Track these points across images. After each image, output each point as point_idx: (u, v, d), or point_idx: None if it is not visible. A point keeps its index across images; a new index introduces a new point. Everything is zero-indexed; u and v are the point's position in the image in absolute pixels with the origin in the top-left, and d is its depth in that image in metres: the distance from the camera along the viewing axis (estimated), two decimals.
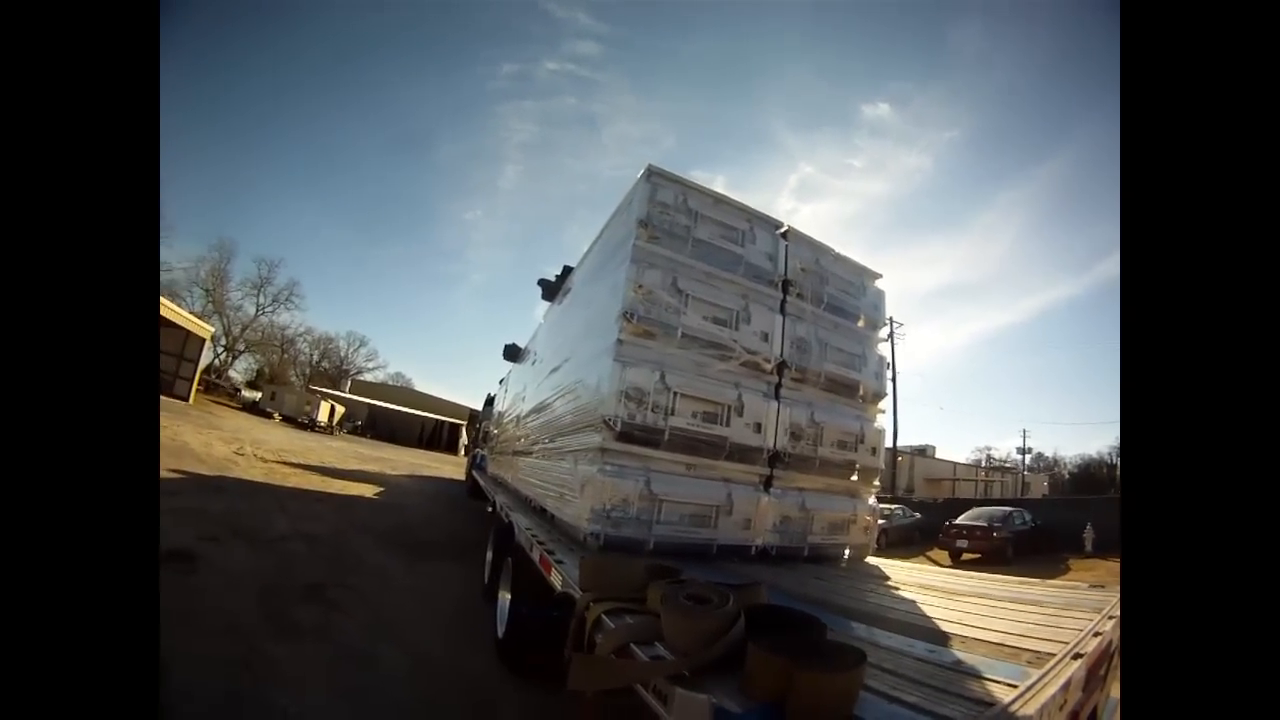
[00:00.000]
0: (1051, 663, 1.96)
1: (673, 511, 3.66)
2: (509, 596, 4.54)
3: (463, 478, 19.58)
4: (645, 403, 3.53)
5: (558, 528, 4.29)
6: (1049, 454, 67.94)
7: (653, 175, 3.97)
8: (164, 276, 47.24)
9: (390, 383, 66.62)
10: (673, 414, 3.63)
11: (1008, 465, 60.44)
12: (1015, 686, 1.73)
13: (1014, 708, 1.57)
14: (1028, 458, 57.65)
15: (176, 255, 54.59)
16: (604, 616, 2.14)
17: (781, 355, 4.24)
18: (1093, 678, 2.15)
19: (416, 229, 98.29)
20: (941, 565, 13.53)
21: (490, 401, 15.38)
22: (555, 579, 3.01)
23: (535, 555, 3.53)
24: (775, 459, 4.15)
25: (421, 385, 68.34)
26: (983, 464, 62.77)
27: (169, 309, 28.98)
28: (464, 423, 42.80)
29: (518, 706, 3.74)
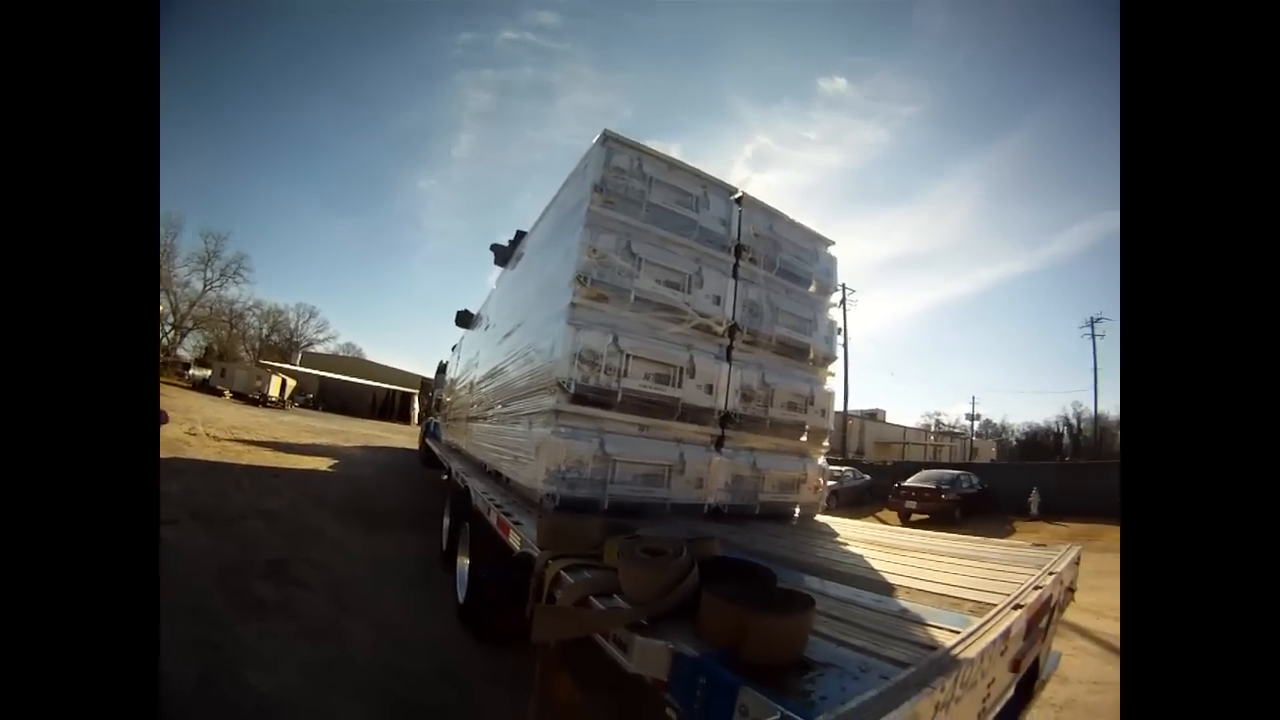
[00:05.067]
0: (992, 612, 2.05)
1: (626, 471, 3.73)
2: (468, 561, 4.61)
3: (415, 447, 19.41)
4: (598, 365, 3.57)
5: (514, 491, 4.34)
6: (997, 421, 70.32)
7: (609, 140, 3.97)
8: None
9: (341, 353, 65.63)
10: (626, 376, 3.68)
11: (957, 431, 62.40)
12: (957, 633, 1.80)
13: (955, 651, 1.64)
14: (976, 424, 59.55)
15: None
16: (563, 572, 2.18)
17: (733, 318, 4.30)
18: (1032, 629, 2.26)
19: (371, 198, 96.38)
20: (890, 525, 14.00)
21: (442, 369, 15.19)
22: (514, 540, 3.06)
23: (493, 518, 3.59)
24: (726, 419, 4.24)
25: (373, 355, 67.57)
26: (932, 429, 64.70)
27: None
28: (416, 391, 41.93)
29: (481, 670, 3.82)
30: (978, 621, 1.93)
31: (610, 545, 2.26)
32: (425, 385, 20.55)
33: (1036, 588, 2.41)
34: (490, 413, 6.04)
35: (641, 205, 3.98)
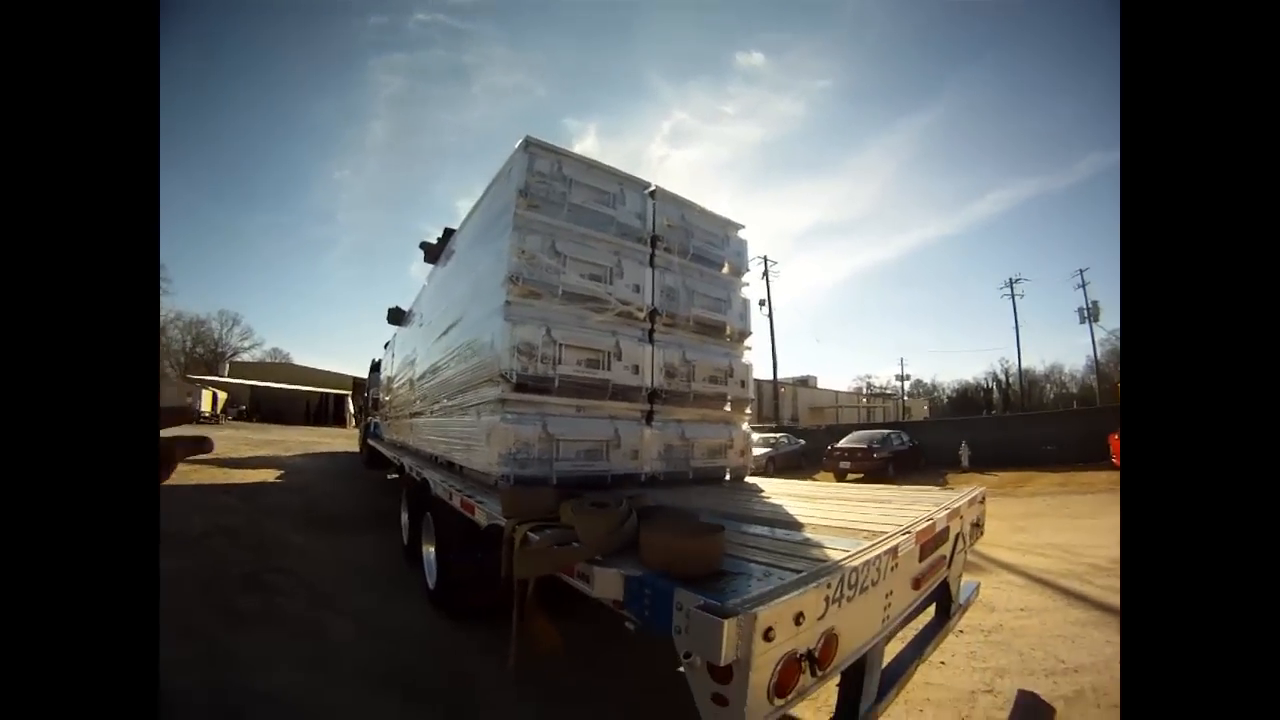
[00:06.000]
0: (882, 538, 2.48)
1: (569, 449, 4.14)
2: (432, 549, 4.96)
3: (355, 449, 19.33)
4: (535, 355, 3.96)
5: (469, 477, 4.69)
6: (928, 380, 73.33)
7: (530, 146, 4.32)
8: None
9: (269, 360, 64.07)
10: (560, 363, 4.08)
11: (889, 392, 64.73)
12: (847, 552, 2.22)
13: (843, 561, 2.09)
14: (907, 384, 61.86)
15: None
16: (529, 533, 2.63)
17: (653, 304, 4.74)
18: (928, 552, 2.73)
19: (282, 193, 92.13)
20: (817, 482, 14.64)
21: (376, 367, 15.14)
22: (480, 516, 3.42)
23: (455, 502, 3.94)
24: (654, 395, 4.69)
25: (301, 359, 66.34)
26: (864, 391, 66.98)
27: None
28: (349, 393, 41.42)
29: (462, 644, 4.18)
30: (868, 544, 2.38)
31: (564, 507, 2.74)
32: (358, 385, 20.26)
33: (929, 520, 2.87)
34: (435, 407, 6.33)
35: (563, 206, 4.36)
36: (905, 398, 60.13)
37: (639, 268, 4.72)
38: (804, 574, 1.94)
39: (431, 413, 6.59)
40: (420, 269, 7.59)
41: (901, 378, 60.32)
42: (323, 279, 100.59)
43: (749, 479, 5.59)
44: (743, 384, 5.53)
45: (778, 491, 4.68)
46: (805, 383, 55.97)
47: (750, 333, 5.74)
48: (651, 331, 4.77)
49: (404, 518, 6.50)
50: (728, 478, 5.39)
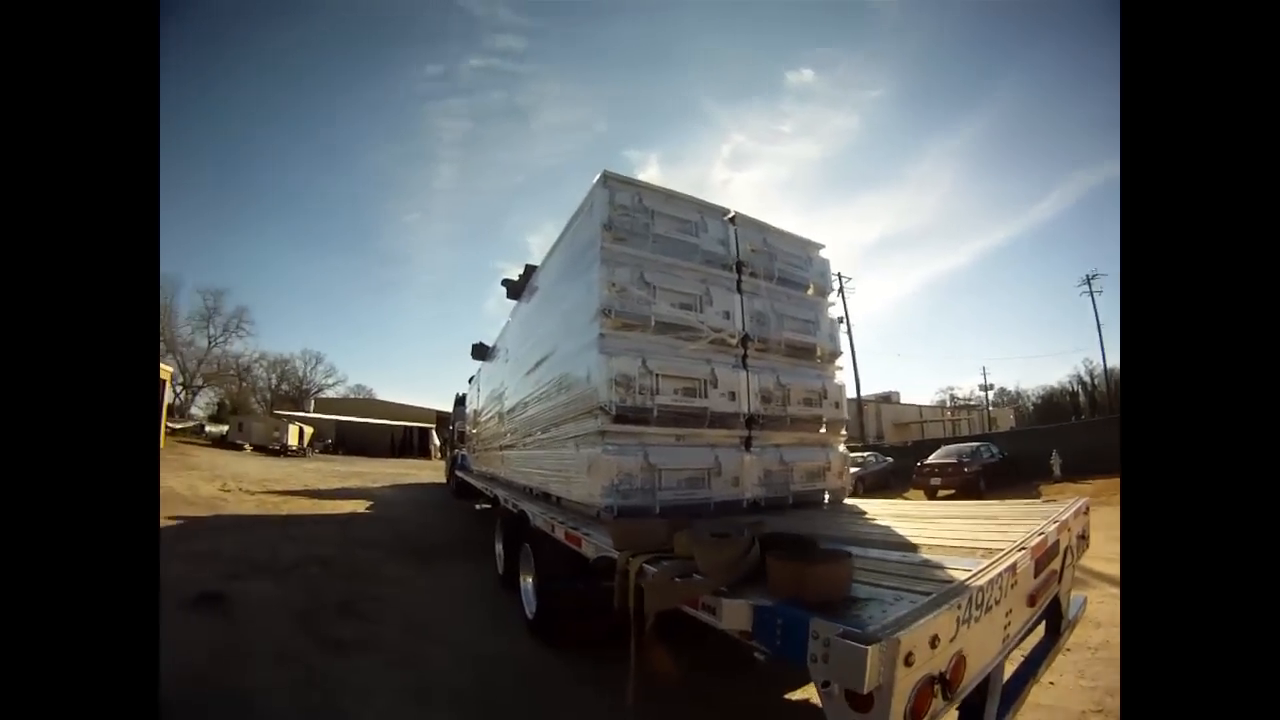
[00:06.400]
0: (999, 555, 2.42)
1: (671, 478, 4.15)
2: (530, 579, 4.98)
3: (442, 480, 19.79)
4: (633, 386, 3.99)
5: (567, 509, 4.73)
6: (1011, 388, 70.19)
7: (609, 180, 4.39)
8: None
9: (353, 395, 65.64)
10: (657, 393, 4.11)
11: (972, 403, 62.25)
12: (970, 571, 2.18)
13: (968, 581, 2.04)
14: (990, 393, 59.51)
15: None
16: (645, 565, 2.62)
17: (744, 329, 4.73)
18: (1042, 568, 2.64)
19: (358, 238, 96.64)
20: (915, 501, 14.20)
21: (461, 401, 15.60)
22: (587, 549, 3.42)
23: (559, 534, 3.96)
24: (751, 421, 4.66)
25: (383, 394, 67.01)
26: (947, 404, 64.53)
27: None
28: (432, 426, 41.97)
29: (563, 674, 4.15)
30: (987, 562, 2.32)
31: (680, 538, 2.71)
32: (442, 419, 20.86)
33: (1041, 534, 2.78)
34: (528, 440, 6.45)
35: (648, 237, 4.41)
36: (990, 408, 57.71)
37: (727, 294, 4.72)
38: (934, 596, 1.90)
39: (524, 445, 6.69)
40: (496, 304, 7.87)
41: (985, 387, 57.97)
42: (401, 317, 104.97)
43: (846, 501, 5.46)
44: (836, 405, 5.43)
45: (881, 513, 4.55)
46: (888, 399, 54.44)
47: (840, 352, 5.65)
48: (745, 357, 4.75)
49: (498, 548, 6.59)
50: (826, 500, 5.27)
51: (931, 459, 19.09)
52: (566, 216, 5.09)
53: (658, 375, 4.12)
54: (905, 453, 24.52)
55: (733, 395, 4.51)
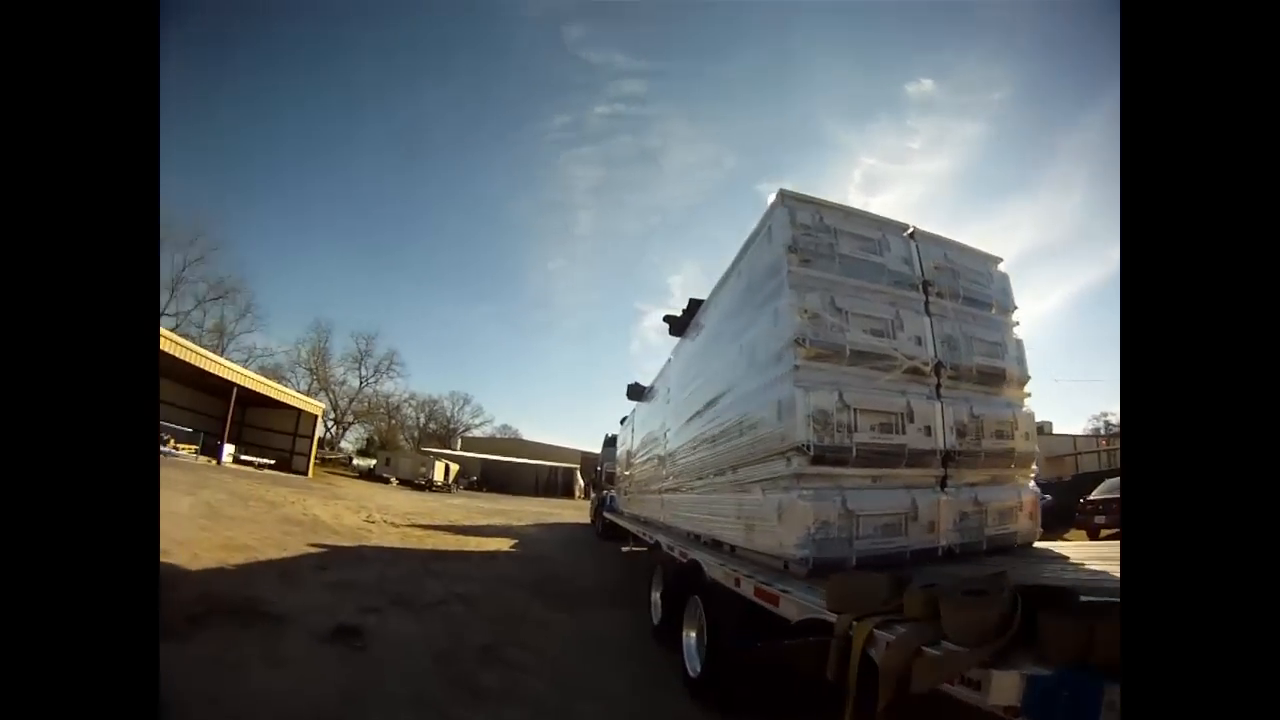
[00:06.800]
0: None
1: (868, 525, 3.72)
2: (694, 634, 4.59)
3: (586, 521, 19.95)
4: (830, 423, 3.61)
5: (742, 558, 4.35)
6: None
7: (787, 199, 4.09)
8: (268, 361, 50.43)
9: (498, 435, 67.48)
10: (855, 430, 3.71)
11: None
12: None
13: None
14: None
15: (276, 340, 59.06)
16: (875, 630, 2.24)
17: (936, 356, 4.28)
18: None
19: (504, 285, 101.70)
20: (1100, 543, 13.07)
21: (611, 442, 15.70)
22: (788, 609, 3.02)
23: (746, 589, 3.53)
24: (947, 458, 4.17)
25: (528, 434, 68.69)
26: (1102, 432, 59.64)
27: (279, 390, 30.76)
28: (576, 466, 43.21)
29: None
30: None
31: (912, 597, 2.32)
32: (587, 460, 21.22)
33: None
34: (698, 483, 6.06)
35: (834, 258, 4.06)
36: None
37: (917, 317, 4.29)
38: None
39: (691, 489, 6.34)
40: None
41: None
42: (546, 359, 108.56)
43: (1035, 544, 4.89)
44: (1026, 436, 4.87)
45: (1085, 556, 4.12)
46: (1041, 430, 50.91)
47: (1029, 377, 5.07)
48: (939, 387, 4.28)
49: (655, 596, 6.20)
50: (1018, 544, 4.70)
51: (1095, 495, 17.51)
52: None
53: (855, 410, 3.73)
54: (1061, 489, 22.62)
55: (928, 430, 4.05)
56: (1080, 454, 47.15)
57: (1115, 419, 60.68)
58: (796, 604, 2.96)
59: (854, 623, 2.35)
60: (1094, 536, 15.50)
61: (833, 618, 2.52)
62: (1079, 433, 54.65)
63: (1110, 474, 23.79)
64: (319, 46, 70.94)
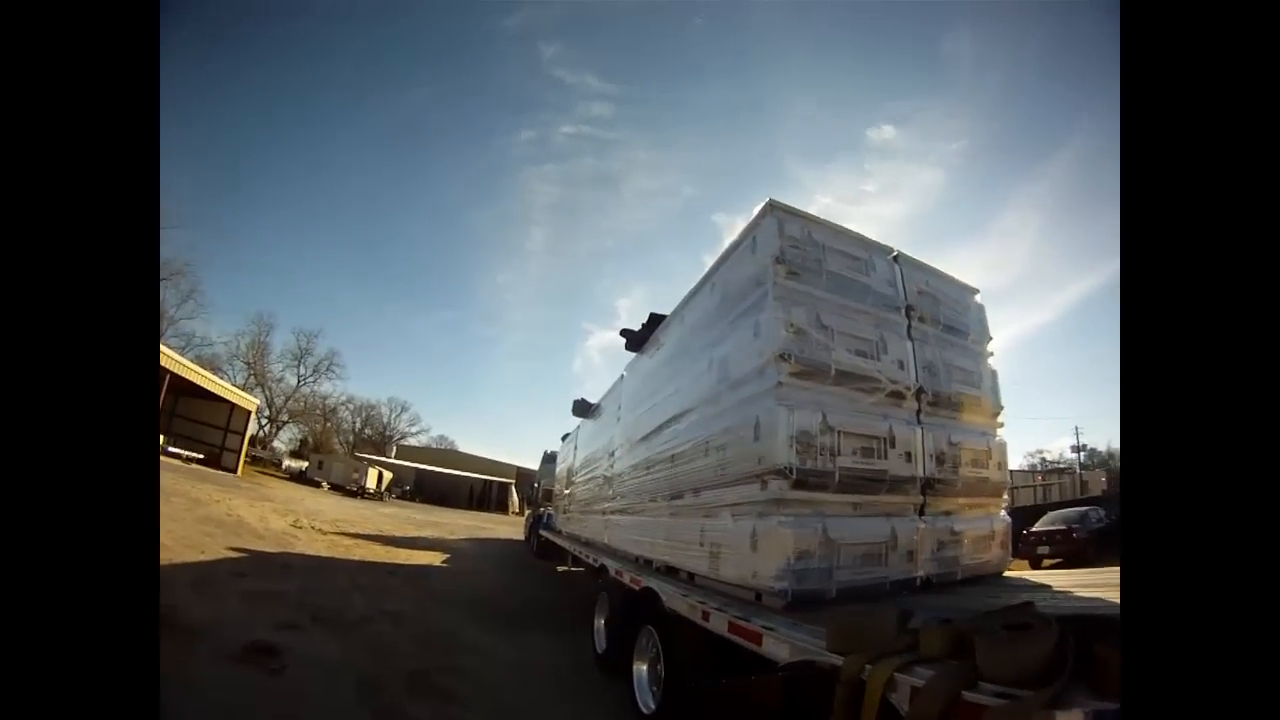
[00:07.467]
0: None
1: (848, 554, 3.51)
2: (646, 668, 4.34)
3: (520, 537, 19.47)
4: (812, 445, 3.41)
5: (703, 588, 4.06)
6: (1103, 449, 66.34)
7: (776, 209, 3.93)
8: (205, 351, 47.77)
9: (434, 445, 66.09)
10: (838, 454, 3.53)
11: (1063, 466, 58.75)
12: None
13: None
14: (1082, 454, 55.99)
15: (216, 330, 56.44)
16: (897, 674, 1.97)
17: (917, 381, 4.17)
18: None
19: (453, 295, 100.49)
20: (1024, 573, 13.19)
21: (550, 459, 15.25)
22: (777, 648, 2.67)
23: (717, 625, 3.20)
24: (927, 486, 4.04)
25: (464, 446, 67.05)
26: (1037, 468, 61.18)
27: (214, 382, 29.08)
28: (512, 481, 42.47)
29: None
30: None
31: (930, 634, 2.13)
32: (524, 475, 20.81)
33: None
34: (650, 505, 5.76)
35: (821, 274, 3.91)
36: (1082, 471, 54.44)
37: (900, 341, 4.17)
38: None
39: (643, 511, 6.01)
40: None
41: (1078, 448, 54.37)
42: (487, 372, 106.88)
43: (1005, 573, 4.83)
44: (999, 466, 4.82)
45: (1063, 584, 4.05)
46: None
47: (1003, 407, 5.02)
48: (919, 413, 4.15)
49: (599, 622, 5.82)
50: (990, 573, 4.63)
51: (1038, 526, 17.89)
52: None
53: (839, 432, 3.54)
54: None
55: (909, 456, 3.91)
56: (1016, 488, 48.38)
57: (1047, 454, 62.62)
58: (788, 644, 2.61)
59: (867, 665, 2.08)
60: (1035, 566, 15.75)
61: (836, 659, 2.25)
62: (1014, 468, 56.31)
63: (1048, 507, 24.48)
64: (291, 44, 70.31)
